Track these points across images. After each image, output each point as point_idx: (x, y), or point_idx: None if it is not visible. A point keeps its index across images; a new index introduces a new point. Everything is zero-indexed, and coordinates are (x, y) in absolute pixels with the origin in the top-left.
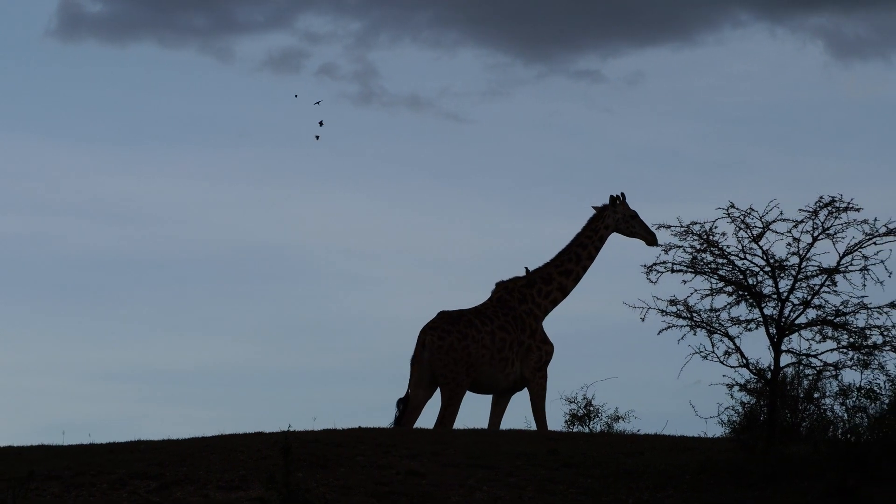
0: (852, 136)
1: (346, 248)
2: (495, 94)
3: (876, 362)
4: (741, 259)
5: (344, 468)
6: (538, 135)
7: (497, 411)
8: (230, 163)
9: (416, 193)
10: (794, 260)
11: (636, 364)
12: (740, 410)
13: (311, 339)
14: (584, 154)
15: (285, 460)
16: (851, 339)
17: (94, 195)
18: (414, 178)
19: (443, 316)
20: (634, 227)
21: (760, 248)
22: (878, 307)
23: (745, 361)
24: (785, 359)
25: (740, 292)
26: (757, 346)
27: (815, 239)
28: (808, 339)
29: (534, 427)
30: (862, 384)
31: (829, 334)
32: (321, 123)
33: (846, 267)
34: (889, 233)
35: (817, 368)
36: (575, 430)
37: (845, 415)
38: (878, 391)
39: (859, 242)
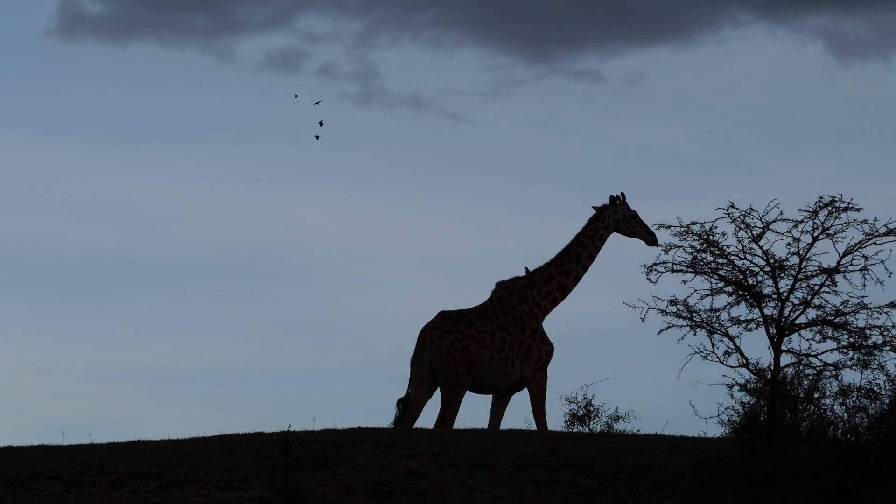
0: (852, 136)
1: (345, 248)
2: (495, 95)
3: (876, 362)
4: (741, 259)
5: (344, 468)
6: (538, 135)
7: (497, 411)
8: (230, 163)
9: (416, 193)
10: (794, 260)
11: (636, 364)
12: (740, 410)
13: (311, 339)
14: (583, 154)
15: (285, 460)
16: (851, 339)
17: (94, 195)
18: (414, 178)
19: (443, 316)
20: (634, 227)
21: (760, 248)
22: (878, 307)
23: (745, 361)
24: (785, 359)
25: (740, 292)
26: (757, 346)
27: (815, 239)
28: (808, 339)
29: (534, 427)
30: (862, 384)
31: (829, 334)
32: (321, 123)
33: (846, 267)
34: (889, 233)
35: (817, 368)
36: (575, 430)
37: (845, 415)
38: (878, 391)
39: (859, 242)
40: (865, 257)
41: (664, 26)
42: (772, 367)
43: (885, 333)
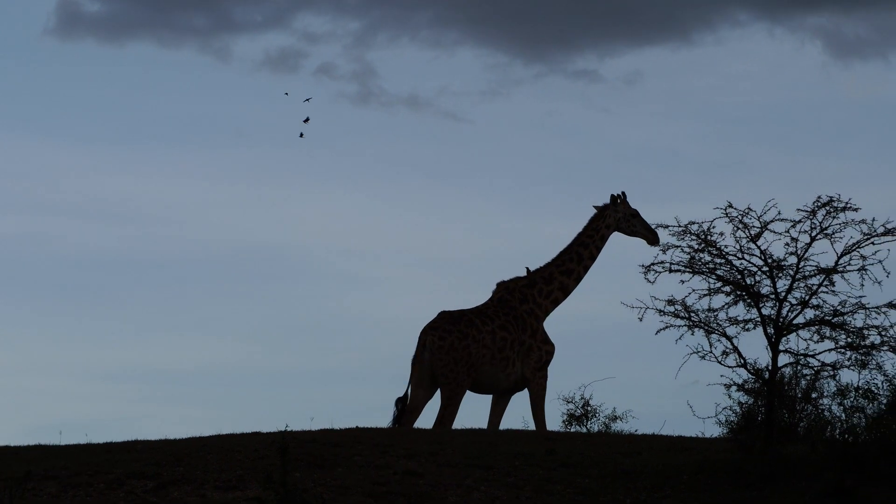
0: (851, 136)
1: (344, 248)
2: (494, 94)
3: (874, 362)
4: (739, 259)
5: (341, 468)
6: (536, 134)
7: (497, 411)
8: (229, 162)
9: (415, 193)
10: (792, 260)
11: (634, 364)
12: (738, 410)
13: (309, 340)
14: (582, 154)
15: (283, 460)
16: (849, 339)
17: (93, 195)
18: (412, 178)
19: (443, 316)
20: (635, 225)
21: (758, 247)
22: (876, 307)
23: (742, 361)
24: (783, 359)
25: (738, 292)
26: (755, 346)
27: (813, 239)
28: (805, 339)
29: (531, 427)
30: (860, 384)
31: (827, 334)
32: (307, 120)
33: (844, 267)
34: (887, 233)
35: (815, 368)
36: (573, 430)
37: (843, 415)
38: (876, 391)
39: (857, 242)
40: (863, 257)
41: (663, 26)
42: (769, 368)
43: (883, 333)
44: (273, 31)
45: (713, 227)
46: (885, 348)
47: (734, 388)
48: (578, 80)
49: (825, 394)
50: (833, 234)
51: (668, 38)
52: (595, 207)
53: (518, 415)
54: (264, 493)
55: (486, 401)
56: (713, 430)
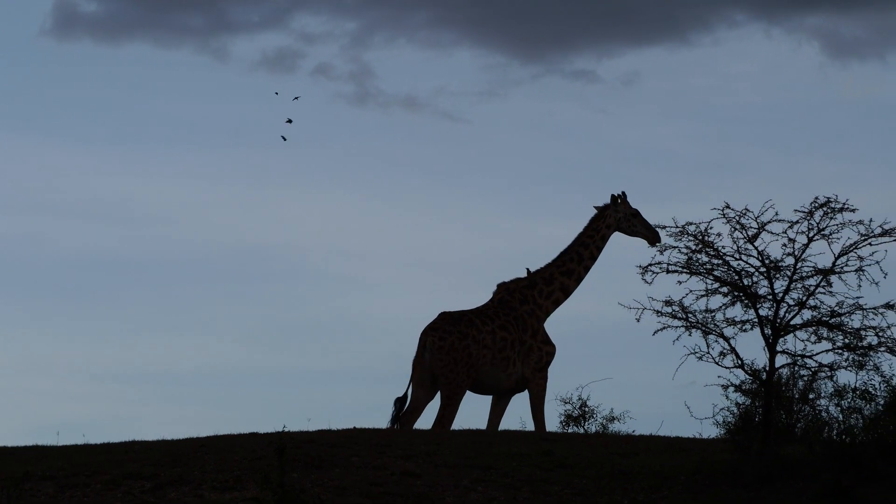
0: (848, 136)
1: (341, 248)
2: (491, 95)
3: (871, 363)
4: (736, 260)
5: (339, 469)
6: (534, 135)
7: (496, 412)
8: (226, 163)
9: (412, 194)
10: (790, 261)
11: (631, 365)
12: (735, 411)
13: (308, 340)
14: (579, 154)
15: (280, 461)
16: (847, 340)
17: (90, 195)
18: (410, 179)
19: (444, 317)
20: (636, 225)
21: (756, 248)
22: (874, 308)
23: (740, 362)
24: (780, 360)
25: (735, 293)
26: (752, 346)
27: (810, 240)
28: (803, 340)
29: (529, 428)
30: (857, 385)
31: (825, 335)
32: (289, 121)
33: (841, 268)
34: (884, 233)
35: (812, 369)
36: (570, 430)
37: (840, 416)
38: (873, 392)
39: (854, 243)
40: (861, 258)
41: (660, 26)
42: (767, 368)
43: (881, 334)
44: (270, 32)
45: (710, 228)
46: (883, 349)
47: (731, 388)
48: (576, 80)
49: (822, 395)
50: (830, 234)
51: (666, 38)
52: (595, 208)
53: (515, 415)
54: (262, 494)
55: (485, 401)
56: (710, 431)
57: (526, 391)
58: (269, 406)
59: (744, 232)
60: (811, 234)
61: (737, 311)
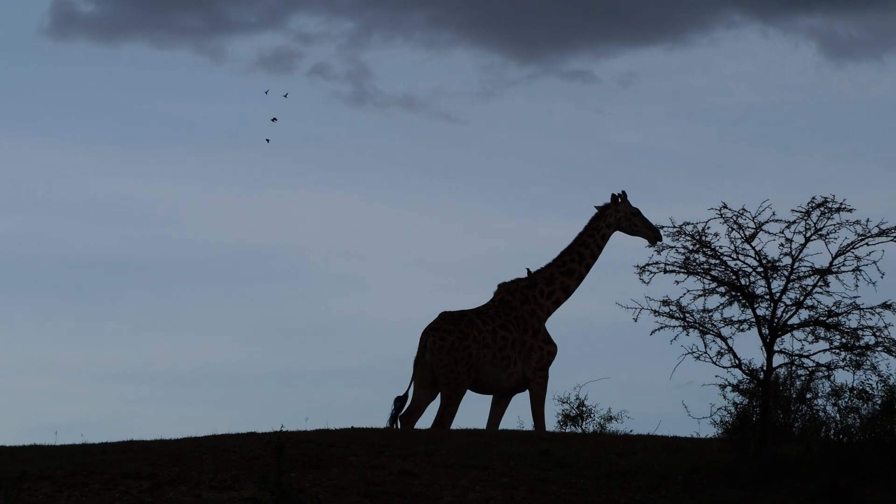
0: (845, 136)
1: (340, 248)
2: (488, 95)
3: (868, 363)
4: (734, 260)
5: (336, 468)
6: (531, 135)
7: (496, 412)
8: (226, 163)
9: (410, 194)
10: (787, 260)
11: (629, 364)
12: (733, 411)
13: (307, 340)
14: (576, 155)
15: (278, 460)
16: (844, 340)
17: (88, 195)
18: (407, 179)
19: (444, 317)
20: (636, 224)
21: (753, 248)
22: (871, 308)
23: (737, 362)
24: (777, 359)
25: (733, 293)
26: (749, 346)
27: (807, 239)
28: (800, 340)
29: (527, 427)
30: (854, 385)
31: (822, 335)
32: (274, 119)
33: (838, 267)
34: (881, 233)
35: (810, 369)
36: (568, 430)
37: (837, 415)
38: (871, 392)
39: (852, 243)
40: (858, 258)
41: (657, 27)
42: (764, 368)
43: (878, 334)
44: (267, 32)
45: (708, 228)
46: (880, 349)
47: (729, 388)
48: (573, 80)
49: (820, 394)
50: (827, 234)
51: (663, 38)
52: (596, 207)
53: (513, 415)
54: (259, 494)
55: (484, 401)
56: (708, 431)
57: (526, 391)
58: (267, 406)
59: (741, 232)
60: (808, 234)
61: (734, 311)
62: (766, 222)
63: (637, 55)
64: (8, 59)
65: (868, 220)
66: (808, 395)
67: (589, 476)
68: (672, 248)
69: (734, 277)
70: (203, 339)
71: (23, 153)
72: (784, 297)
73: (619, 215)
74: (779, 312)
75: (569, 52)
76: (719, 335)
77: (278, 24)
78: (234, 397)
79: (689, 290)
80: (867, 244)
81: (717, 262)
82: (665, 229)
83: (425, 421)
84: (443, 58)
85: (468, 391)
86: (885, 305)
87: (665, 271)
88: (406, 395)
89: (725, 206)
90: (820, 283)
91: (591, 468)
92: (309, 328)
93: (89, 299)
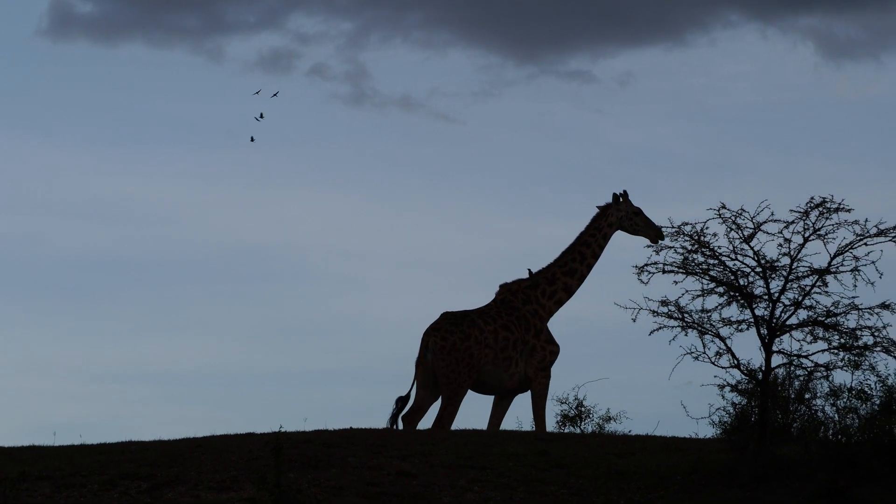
0: (843, 136)
1: (339, 247)
2: (486, 95)
3: (867, 363)
4: (732, 260)
5: (335, 469)
6: (529, 135)
7: (498, 412)
8: (226, 163)
9: (408, 194)
10: (786, 261)
11: (627, 365)
12: (731, 411)
13: (306, 341)
14: (575, 155)
15: (276, 461)
16: (842, 340)
17: (87, 195)
18: (405, 179)
19: (446, 317)
20: (638, 223)
21: (751, 248)
22: (869, 308)
23: (736, 362)
24: (776, 359)
25: (731, 293)
26: (748, 346)
27: (806, 240)
28: (799, 340)
29: (526, 427)
30: (853, 385)
31: (820, 335)
32: (261, 116)
33: (837, 268)
34: (880, 233)
35: (808, 369)
36: (566, 430)
37: (836, 415)
38: (869, 392)
39: (850, 243)
40: (856, 258)
41: (655, 27)
42: (763, 368)
43: (876, 334)
44: (265, 32)
45: (706, 228)
46: (878, 349)
47: (728, 388)
48: (571, 80)
49: (818, 394)
50: (826, 234)
51: (661, 38)
52: (598, 207)
53: (512, 415)
54: (258, 494)
55: (485, 401)
56: (707, 431)
57: (528, 391)
58: (266, 406)
59: (740, 232)
60: (807, 235)
61: (733, 311)
62: (765, 222)
63: (636, 55)
64: (7, 60)
65: (867, 221)
66: (807, 396)
67: (587, 476)
68: (671, 248)
69: (733, 277)
70: (202, 339)
71: (23, 153)
72: (783, 297)
73: (620, 214)
74: (777, 313)
75: (567, 53)
76: (718, 335)
77: (276, 25)
78: (233, 397)
79: (687, 291)
80: (866, 244)
81: (716, 262)
82: (664, 229)
83: (426, 421)
84: (441, 58)
85: (469, 391)
86: (884, 306)
87: (664, 271)
88: (408, 395)
89: (724, 207)
90: (818, 284)
91: (590, 468)
92: (309, 328)
93: (89, 299)
